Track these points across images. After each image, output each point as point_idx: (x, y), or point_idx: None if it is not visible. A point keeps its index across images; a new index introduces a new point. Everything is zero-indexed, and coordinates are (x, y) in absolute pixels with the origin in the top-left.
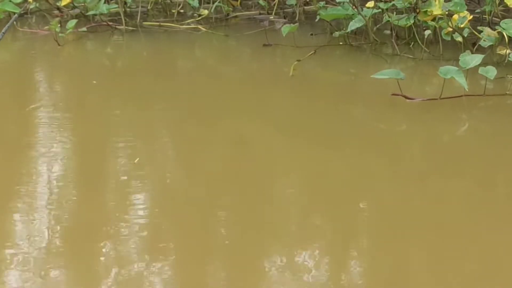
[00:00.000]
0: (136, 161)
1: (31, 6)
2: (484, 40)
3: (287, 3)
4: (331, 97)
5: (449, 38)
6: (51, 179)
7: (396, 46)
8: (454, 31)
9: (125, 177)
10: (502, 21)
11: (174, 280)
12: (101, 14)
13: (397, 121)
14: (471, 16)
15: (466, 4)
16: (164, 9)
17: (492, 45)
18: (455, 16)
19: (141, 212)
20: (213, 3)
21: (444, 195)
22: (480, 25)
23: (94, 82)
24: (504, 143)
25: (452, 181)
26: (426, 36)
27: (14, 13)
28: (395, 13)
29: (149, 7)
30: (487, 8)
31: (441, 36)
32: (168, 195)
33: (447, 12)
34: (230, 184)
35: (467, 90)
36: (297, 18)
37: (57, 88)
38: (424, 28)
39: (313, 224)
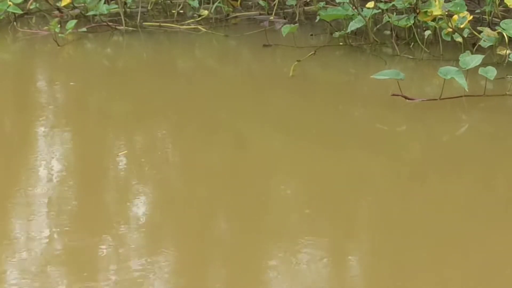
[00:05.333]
0: (120, 154)
1: (31, 6)
2: (484, 41)
3: (287, 3)
4: (331, 97)
5: (449, 39)
6: (49, 180)
7: (396, 46)
8: (454, 32)
9: (125, 177)
10: (502, 21)
11: (174, 280)
12: (101, 14)
13: (397, 122)
14: (471, 17)
15: (466, 5)
16: (164, 10)
17: (492, 45)
18: (455, 17)
19: (140, 213)
20: (213, 3)
21: (444, 195)
22: (480, 26)
23: (72, 83)
24: (504, 143)
25: (452, 181)
26: (426, 37)
27: (14, 13)
28: (395, 13)
29: (149, 8)
30: (487, 9)
31: (441, 36)
32: (168, 195)
33: (447, 13)
34: (230, 184)
35: (467, 90)
36: (297, 19)
37: (56, 88)
38: (424, 29)
39: (314, 224)
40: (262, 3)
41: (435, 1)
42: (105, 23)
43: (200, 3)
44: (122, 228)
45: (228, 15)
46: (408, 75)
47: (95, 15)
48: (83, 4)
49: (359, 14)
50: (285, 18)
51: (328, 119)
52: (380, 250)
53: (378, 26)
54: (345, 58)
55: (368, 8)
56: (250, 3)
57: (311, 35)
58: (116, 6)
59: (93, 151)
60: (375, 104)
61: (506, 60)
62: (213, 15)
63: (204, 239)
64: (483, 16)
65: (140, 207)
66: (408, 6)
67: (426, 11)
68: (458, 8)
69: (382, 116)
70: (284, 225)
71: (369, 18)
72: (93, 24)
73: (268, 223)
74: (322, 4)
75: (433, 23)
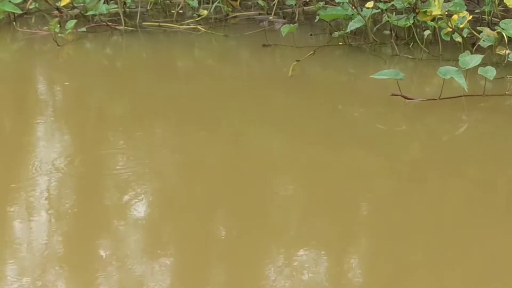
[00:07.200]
0: (118, 152)
1: (31, 6)
2: (483, 41)
3: (286, 3)
4: (331, 97)
5: (448, 39)
6: (47, 182)
7: (395, 46)
8: (453, 31)
9: (124, 178)
10: (501, 21)
11: (174, 280)
12: (101, 14)
13: (396, 122)
14: (471, 17)
15: (465, 5)
16: (163, 10)
17: (492, 45)
18: (455, 17)
19: (140, 214)
20: (213, 3)
21: (444, 195)
22: (480, 26)
23: (66, 83)
24: (503, 143)
25: (451, 181)
26: (425, 37)
27: (14, 13)
28: (394, 13)
29: (148, 8)
30: (487, 9)
31: (440, 36)
32: (167, 196)
33: (446, 12)
34: (229, 184)
35: (466, 90)
36: (296, 18)
37: (56, 88)
38: (423, 29)
39: (313, 224)
40: (261, 3)
41: (435, 1)
42: (104, 23)
43: (199, 3)
44: (121, 227)
45: (227, 15)
46: (408, 75)
47: (94, 15)
48: (82, 4)
49: (358, 14)
50: (284, 18)
51: (327, 119)
52: (379, 250)
53: (377, 26)
54: (345, 58)
55: (368, 8)
56: (249, 3)
57: (311, 35)
58: (116, 6)
59: (92, 151)
60: (374, 104)
61: (506, 60)
62: (212, 15)
63: (203, 238)
64: (483, 16)
65: (138, 207)
66: (407, 6)
67: (426, 11)
68: (458, 8)
69: (381, 116)
70: (283, 224)
71: (369, 18)
72: (92, 24)
73: (268, 222)
74: (321, 4)
75: (432, 23)
